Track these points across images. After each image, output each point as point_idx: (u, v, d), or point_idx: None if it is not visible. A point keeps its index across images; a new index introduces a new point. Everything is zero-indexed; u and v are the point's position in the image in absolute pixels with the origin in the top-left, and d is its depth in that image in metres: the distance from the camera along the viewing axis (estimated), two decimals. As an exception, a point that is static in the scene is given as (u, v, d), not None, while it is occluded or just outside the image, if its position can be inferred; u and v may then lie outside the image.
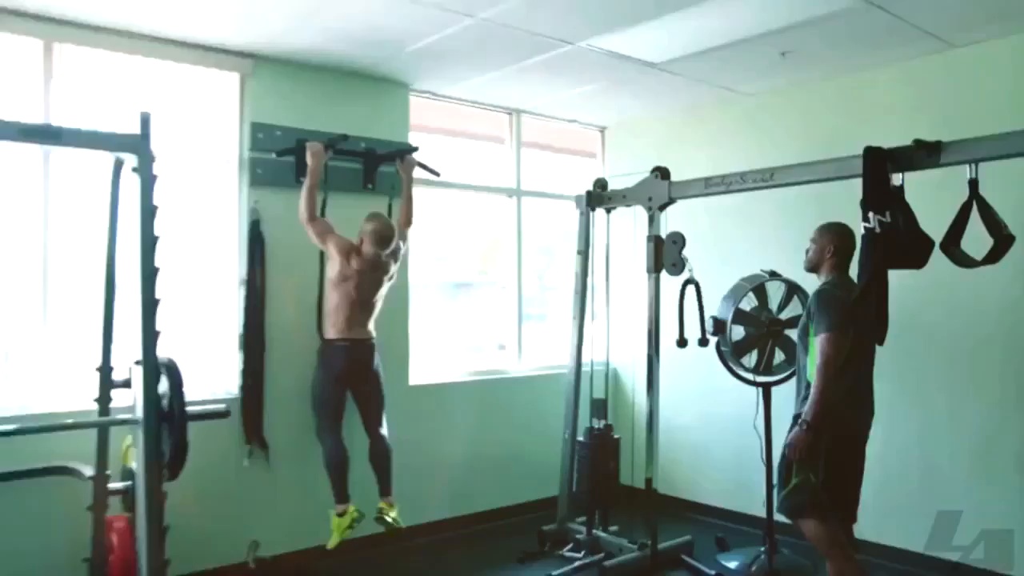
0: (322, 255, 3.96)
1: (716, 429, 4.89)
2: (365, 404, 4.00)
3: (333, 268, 3.83)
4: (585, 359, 4.46)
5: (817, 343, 3.03)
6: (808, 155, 3.53)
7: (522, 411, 5.07)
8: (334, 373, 3.86)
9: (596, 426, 4.32)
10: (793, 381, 4.10)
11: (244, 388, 3.91)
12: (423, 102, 4.75)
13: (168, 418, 2.55)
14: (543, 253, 5.66)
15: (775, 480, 3.36)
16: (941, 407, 3.97)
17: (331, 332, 3.88)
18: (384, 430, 4.00)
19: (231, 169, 4.00)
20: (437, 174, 4.45)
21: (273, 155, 3.95)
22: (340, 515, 3.82)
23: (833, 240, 3.20)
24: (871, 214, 2.80)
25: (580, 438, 4.34)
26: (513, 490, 4.99)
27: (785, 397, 4.09)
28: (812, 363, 3.06)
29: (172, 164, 3.80)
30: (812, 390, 3.01)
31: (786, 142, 4.54)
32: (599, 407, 4.36)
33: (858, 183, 3.04)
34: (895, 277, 2.92)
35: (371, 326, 3.98)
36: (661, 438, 4.04)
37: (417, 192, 4.29)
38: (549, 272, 5.72)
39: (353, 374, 3.91)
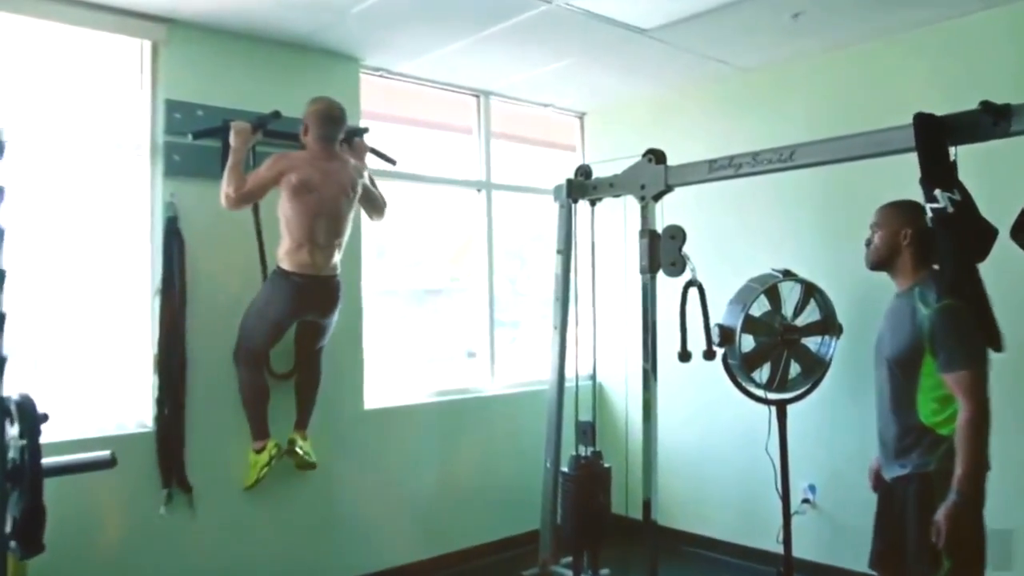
0: (256, 207, 3.39)
1: (720, 452, 4.34)
2: (311, 330, 3.49)
3: (288, 183, 3.20)
4: (568, 374, 3.86)
5: (953, 382, 2.28)
6: (817, 138, 2.95)
7: (497, 435, 4.47)
8: (284, 307, 3.30)
9: (583, 454, 3.71)
10: (816, 401, 3.61)
11: (160, 419, 3.25)
12: (377, 84, 4.13)
13: (18, 474, 1.91)
14: (514, 257, 5.10)
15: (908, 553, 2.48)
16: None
17: (287, 262, 3.25)
18: (321, 346, 3.58)
19: (142, 156, 3.34)
20: (393, 162, 3.84)
21: (190, 137, 3.30)
22: (259, 451, 3.37)
23: (910, 222, 2.46)
24: (938, 192, 2.20)
25: (564, 468, 3.72)
26: (489, 526, 4.39)
27: (799, 413, 3.59)
28: (927, 402, 2.37)
29: (67, 151, 3.17)
30: (964, 450, 2.25)
31: (788, 125, 3.95)
32: (586, 431, 3.75)
33: (884, 164, 2.55)
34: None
35: (337, 258, 3.38)
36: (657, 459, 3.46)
37: (369, 185, 3.67)
38: (522, 278, 5.15)
39: (306, 311, 3.38)
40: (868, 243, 2.59)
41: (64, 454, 2.43)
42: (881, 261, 2.54)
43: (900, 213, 2.51)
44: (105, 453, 2.19)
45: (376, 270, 4.29)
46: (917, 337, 2.35)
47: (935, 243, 2.36)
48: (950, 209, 2.17)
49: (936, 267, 2.42)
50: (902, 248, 2.47)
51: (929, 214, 2.26)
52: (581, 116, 5.17)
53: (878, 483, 2.60)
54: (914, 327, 2.37)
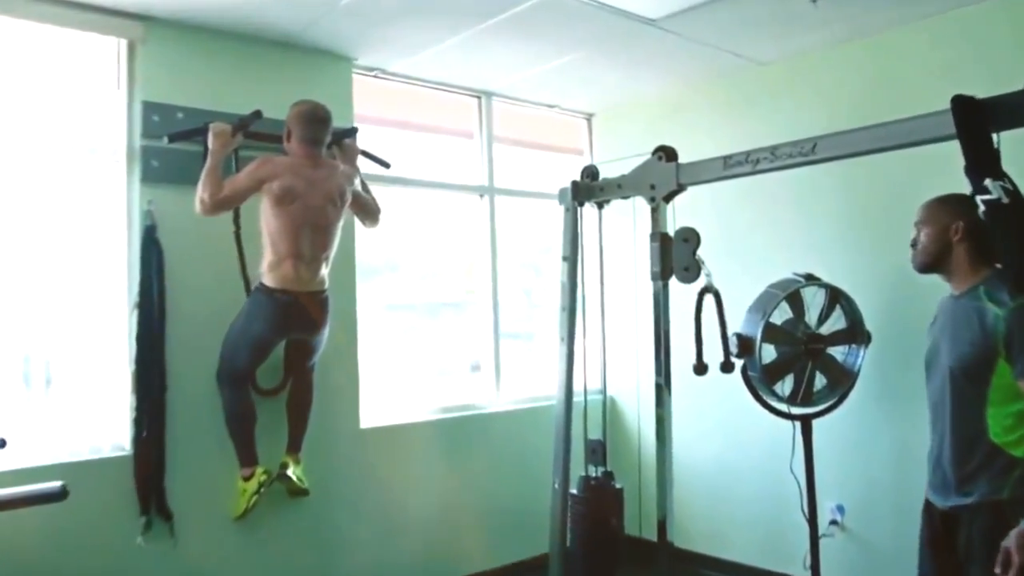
0: (237, 213, 3.19)
1: (741, 470, 4.11)
2: (299, 348, 3.28)
3: (270, 191, 2.99)
4: (577, 388, 3.63)
5: None
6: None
7: (502, 455, 4.25)
8: (267, 327, 3.09)
9: (593, 474, 3.47)
10: (844, 415, 3.38)
11: (138, 441, 3.04)
12: (372, 85, 3.94)
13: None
14: (528, 268, 4.91)
15: None
16: None
17: (269, 277, 3.03)
18: (313, 363, 3.37)
19: (118, 161, 3.15)
20: (387, 165, 3.64)
21: (165, 140, 3.11)
22: (247, 479, 3.18)
23: (960, 215, 2.22)
24: (989, 181, 1.95)
25: (573, 490, 3.48)
26: (495, 551, 4.17)
27: (825, 428, 3.36)
28: (999, 418, 2.11)
29: (39, 156, 3.01)
30: None
31: (806, 121, 3.67)
32: (596, 450, 3.51)
33: (911, 157, 2.37)
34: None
35: (324, 272, 3.15)
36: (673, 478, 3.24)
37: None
38: (537, 289, 4.95)
39: (291, 330, 3.18)
40: (914, 243, 2.35)
41: (32, 481, 2.28)
42: (931, 261, 2.31)
43: (948, 207, 2.28)
44: (55, 484, 1.99)
45: (390, 284, 4.16)
46: (988, 341, 2.10)
47: (992, 238, 2.11)
48: (1005, 199, 1.92)
49: (999, 265, 2.17)
50: (954, 245, 2.24)
51: (981, 207, 2.00)
52: (588, 117, 4.95)
53: (929, 510, 2.34)
54: (984, 331, 2.12)
